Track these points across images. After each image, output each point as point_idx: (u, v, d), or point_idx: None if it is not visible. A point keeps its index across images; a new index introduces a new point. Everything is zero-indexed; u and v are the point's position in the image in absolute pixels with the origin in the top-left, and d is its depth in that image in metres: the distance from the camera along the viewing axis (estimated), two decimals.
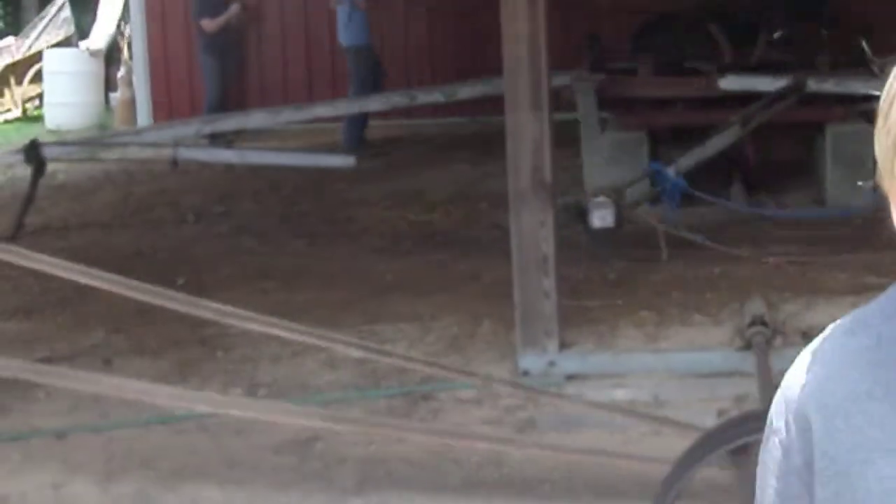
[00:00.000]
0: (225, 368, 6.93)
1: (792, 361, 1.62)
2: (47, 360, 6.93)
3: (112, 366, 7.02)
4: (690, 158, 9.52)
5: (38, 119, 18.97)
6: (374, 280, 8.50)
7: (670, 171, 9.32)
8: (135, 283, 4.18)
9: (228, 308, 4.48)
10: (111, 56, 19.24)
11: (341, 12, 14.06)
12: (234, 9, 15.26)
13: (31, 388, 6.18)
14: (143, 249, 10.01)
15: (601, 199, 8.66)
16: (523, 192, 6.46)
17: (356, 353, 5.33)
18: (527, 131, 6.44)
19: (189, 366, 6.99)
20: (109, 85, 18.67)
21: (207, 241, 10.14)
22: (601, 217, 8.52)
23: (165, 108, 16.44)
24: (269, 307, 7.88)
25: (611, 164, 10.14)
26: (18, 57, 20.10)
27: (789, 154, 10.74)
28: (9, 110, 19.73)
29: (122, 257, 9.66)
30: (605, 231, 8.58)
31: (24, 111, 19.85)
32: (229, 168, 12.40)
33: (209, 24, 15.09)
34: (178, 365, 7.01)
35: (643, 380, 6.30)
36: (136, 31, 16.97)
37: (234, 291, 8.33)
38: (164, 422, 6.04)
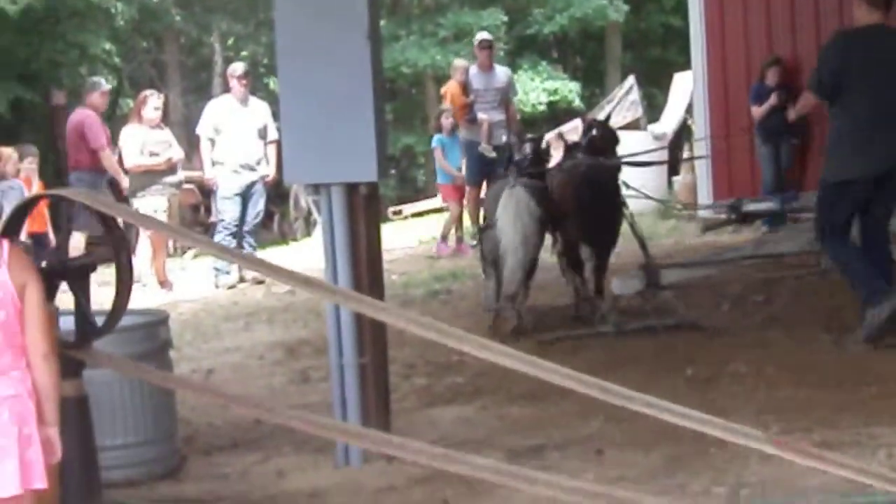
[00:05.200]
0: (715, 465, 6.90)
1: None
2: (540, 449, 7.19)
3: (603, 456, 7.17)
4: None
5: None
6: (882, 380, 8.23)
7: None
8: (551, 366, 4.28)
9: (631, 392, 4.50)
10: (679, 141, 19.66)
11: None
12: (773, 99, 15.33)
13: None
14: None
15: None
16: None
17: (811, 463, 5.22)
18: None
19: (679, 460, 7.00)
20: (673, 168, 19.06)
21: (734, 331, 10.15)
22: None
23: (725, 191, 16.61)
24: (762, 403, 7.89)
25: None
26: None
27: None
28: None
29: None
30: None
31: None
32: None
33: (757, 111, 15.43)
34: (668, 459, 7.04)
35: None
36: (698, 118, 17.30)
37: (728, 386, 8.33)
38: None
